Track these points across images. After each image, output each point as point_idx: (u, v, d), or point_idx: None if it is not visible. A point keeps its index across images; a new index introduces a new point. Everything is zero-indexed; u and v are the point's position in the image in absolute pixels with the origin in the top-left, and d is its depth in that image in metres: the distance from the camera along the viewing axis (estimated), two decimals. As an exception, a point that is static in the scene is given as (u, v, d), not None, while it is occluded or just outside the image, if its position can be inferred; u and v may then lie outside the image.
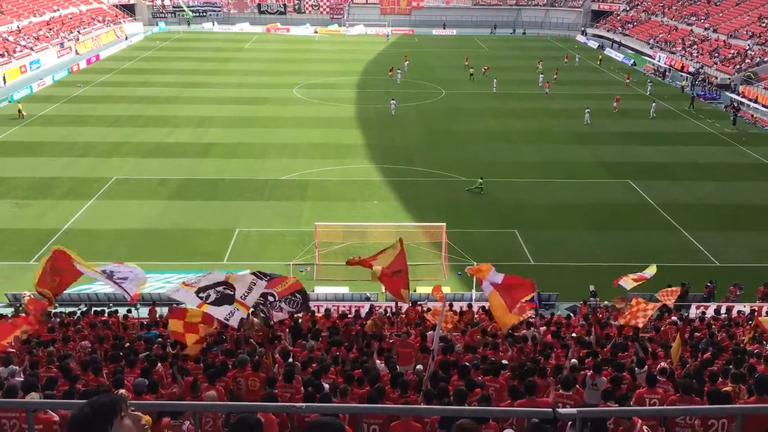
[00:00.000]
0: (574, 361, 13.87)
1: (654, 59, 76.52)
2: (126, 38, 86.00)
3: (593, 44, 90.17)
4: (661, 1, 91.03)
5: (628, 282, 19.26)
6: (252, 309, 18.08)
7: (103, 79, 64.51)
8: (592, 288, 25.86)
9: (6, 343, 14.00)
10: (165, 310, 22.89)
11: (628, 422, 8.95)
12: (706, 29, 77.17)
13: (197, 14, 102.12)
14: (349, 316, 22.19)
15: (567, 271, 29.19)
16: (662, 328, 19.30)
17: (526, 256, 30.60)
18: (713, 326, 20.19)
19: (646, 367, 13.14)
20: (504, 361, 14.49)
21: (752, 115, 53.99)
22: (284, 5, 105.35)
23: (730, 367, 13.08)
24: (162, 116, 51.71)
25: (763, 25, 70.85)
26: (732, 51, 69.22)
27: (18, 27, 73.86)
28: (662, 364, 13.06)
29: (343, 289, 27.32)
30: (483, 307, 23.72)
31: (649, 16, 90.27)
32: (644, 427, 9.03)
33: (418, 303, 22.32)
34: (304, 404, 7.02)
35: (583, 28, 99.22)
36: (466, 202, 36.38)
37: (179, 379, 12.12)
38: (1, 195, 36.35)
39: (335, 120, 51.80)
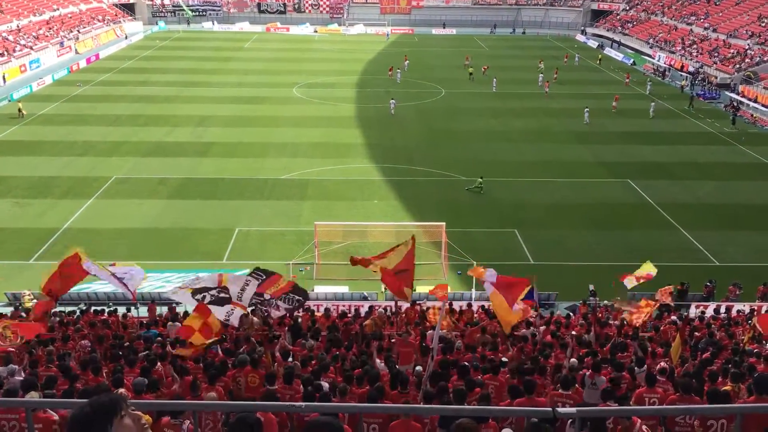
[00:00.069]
0: (573, 360, 13.89)
1: (654, 59, 76.51)
2: (126, 37, 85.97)
3: (593, 44, 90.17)
4: (661, 0, 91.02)
5: (631, 281, 19.29)
6: (252, 308, 18.14)
7: (103, 78, 64.48)
8: (591, 287, 25.86)
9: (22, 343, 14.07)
10: (165, 309, 22.92)
11: (628, 422, 8.96)
12: (705, 29, 77.17)
13: (197, 13, 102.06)
14: (349, 315, 22.19)
15: (566, 270, 29.19)
16: (662, 328, 19.31)
17: (526, 255, 30.60)
18: (713, 326, 20.20)
19: (646, 366, 13.15)
20: (503, 359, 14.53)
21: (752, 115, 53.99)
22: (284, 4, 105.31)
23: (730, 366, 13.08)
24: (162, 115, 51.70)
25: (763, 24, 70.85)
26: (731, 50, 69.23)
27: (18, 26, 73.83)
28: (662, 363, 13.07)
29: (343, 289, 27.32)
30: (482, 307, 23.75)
31: (648, 15, 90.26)
32: (643, 427, 9.03)
33: (418, 302, 22.31)
34: (303, 403, 7.02)
35: (582, 28, 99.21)
36: (465, 201, 36.39)
37: (175, 377, 12.14)
38: (1, 194, 36.34)
39: (335, 119, 51.79)
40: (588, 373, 12.52)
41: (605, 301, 24.06)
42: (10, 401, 8.95)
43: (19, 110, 50.09)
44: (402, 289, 14.11)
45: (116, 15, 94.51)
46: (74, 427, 3.25)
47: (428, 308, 21.58)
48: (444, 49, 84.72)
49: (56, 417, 8.66)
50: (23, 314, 19.23)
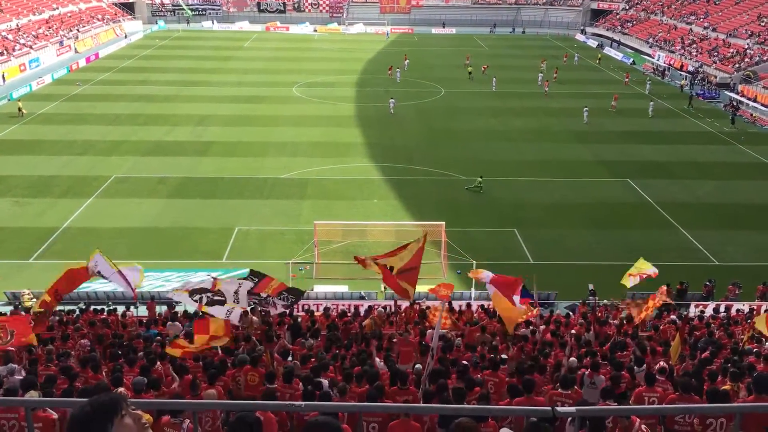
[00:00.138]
0: (573, 359, 13.90)
1: (653, 58, 76.49)
2: (125, 37, 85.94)
3: (592, 43, 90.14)
4: (660, 0, 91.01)
5: (635, 280, 19.23)
6: (251, 306, 18.23)
7: (103, 77, 64.46)
8: (591, 287, 25.87)
9: (24, 340, 14.07)
10: (164, 308, 22.93)
11: (627, 421, 8.96)
12: (705, 28, 77.16)
13: (196, 13, 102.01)
14: (349, 314, 22.21)
15: (566, 269, 29.19)
16: (661, 327, 19.32)
17: (526, 254, 30.61)
18: (712, 325, 20.22)
19: (645, 365, 13.16)
20: (503, 356, 14.55)
21: (751, 114, 53.99)
22: (284, 4, 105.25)
23: (729, 365, 13.09)
24: (161, 115, 51.68)
25: (763, 24, 70.85)
26: (731, 50, 69.23)
27: (17, 25, 73.78)
28: (661, 363, 13.08)
29: (342, 288, 27.32)
30: (482, 306, 23.77)
31: (648, 15, 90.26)
32: (643, 426, 9.04)
33: (417, 301, 22.31)
34: (303, 403, 7.03)
35: (582, 27, 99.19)
36: (465, 200, 36.39)
37: (175, 377, 12.15)
38: (1, 193, 36.33)
39: (335, 119, 51.78)
40: (587, 373, 12.54)
41: (605, 301, 24.07)
42: (10, 400, 8.95)
43: (19, 109, 50.09)
44: (403, 288, 14.07)
45: (116, 14, 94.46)
46: (74, 427, 3.24)
47: (428, 307, 21.60)
48: (444, 49, 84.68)
49: (56, 416, 8.67)
50: (23, 313, 19.23)
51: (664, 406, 10.36)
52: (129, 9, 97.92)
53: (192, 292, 14.38)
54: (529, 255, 30.55)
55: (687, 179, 40.11)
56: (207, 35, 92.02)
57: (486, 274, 14.27)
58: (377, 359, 14.08)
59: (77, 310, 21.74)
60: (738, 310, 24.02)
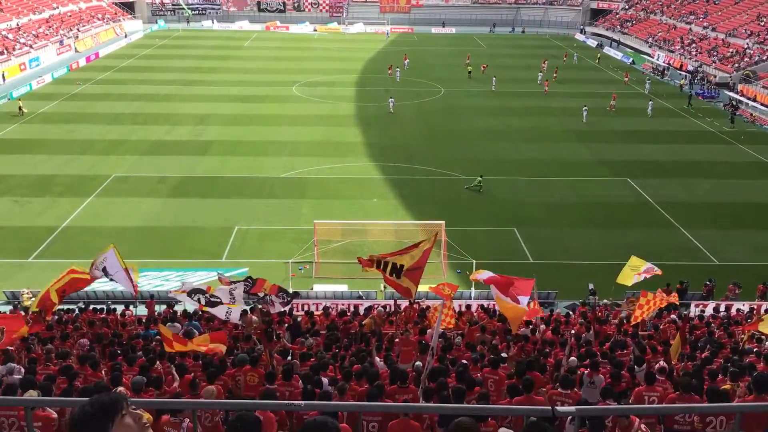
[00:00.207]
0: (573, 358, 13.90)
1: (653, 58, 76.49)
2: (125, 36, 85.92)
3: (592, 42, 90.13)
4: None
5: (639, 278, 19.14)
6: (251, 306, 18.27)
7: (103, 76, 64.45)
8: (591, 286, 25.85)
9: (15, 336, 14.09)
10: (163, 307, 22.92)
11: (626, 420, 8.96)
12: (704, 28, 77.16)
13: (196, 12, 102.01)
14: (348, 314, 22.22)
15: (566, 269, 29.19)
16: (661, 327, 19.32)
17: (525, 254, 30.61)
18: (712, 324, 20.22)
19: (645, 365, 13.16)
20: (503, 354, 14.57)
21: (751, 114, 53.98)
22: (284, 3, 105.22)
23: (729, 365, 13.10)
24: (161, 114, 51.68)
25: (762, 23, 70.85)
26: (731, 50, 69.24)
27: (17, 24, 73.75)
28: (661, 362, 13.08)
29: (342, 287, 27.33)
30: (482, 306, 23.79)
31: (648, 14, 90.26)
32: (642, 426, 9.04)
33: (416, 301, 22.32)
34: (302, 402, 7.03)
35: (582, 27, 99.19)
36: (465, 200, 36.39)
37: (175, 376, 12.15)
38: (1, 192, 36.33)
39: (335, 118, 51.77)
40: (586, 372, 12.54)
41: (604, 300, 24.07)
42: (10, 400, 8.95)
43: (20, 108, 50.10)
44: (405, 287, 14.06)
45: (116, 13, 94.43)
46: (75, 426, 3.24)
47: (427, 307, 21.60)
48: (443, 48, 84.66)
49: (55, 415, 8.67)
50: (23, 312, 19.24)
51: (664, 405, 10.37)
52: (129, 8, 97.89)
53: (190, 293, 14.56)
54: (529, 254, 30.55)
55: (687, 179, 40.12)
56: (207, 35, 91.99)
57: (485, 274, 14.24)
58: (377, 358, 14.08)
59: (76, 310, 21.73)
60: (738, 310, 24.02)
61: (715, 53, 69.97)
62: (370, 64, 73.34)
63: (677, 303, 21.09)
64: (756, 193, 38.11)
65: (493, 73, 64.26)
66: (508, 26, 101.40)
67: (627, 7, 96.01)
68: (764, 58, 64.31)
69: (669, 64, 72.75)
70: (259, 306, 16.19)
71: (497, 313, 21.31)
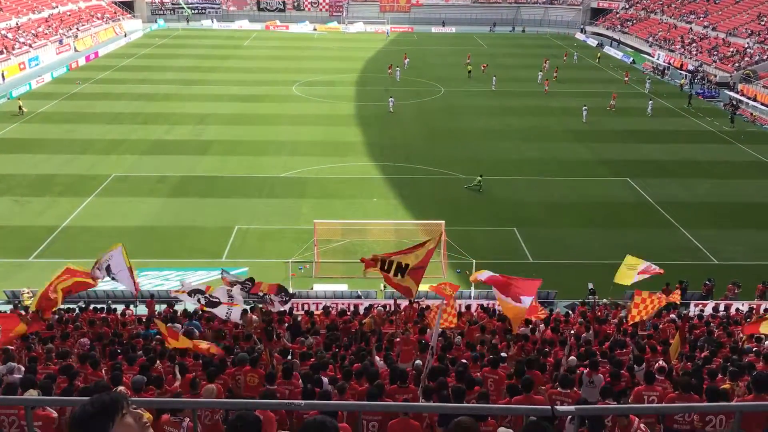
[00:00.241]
0: (572, 358, 13.90)
1: (653, 57, 76.47)
2: (125, 35, 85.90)
3: (592, 42, 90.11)
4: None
5: (639, 277, 19.07)
6: (251, 306, 18.30)
7: (102, 76, 64.44)
8: (590, 286, 25.89)
9: (12, 335, 14.09)
10: (164, 307, 22.93)
11: (626, 420, 8.97)
12: (705, 27, 77.16)
13: (196, 11, 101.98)
14: (348, 313, 22.23)
15: (566, 268, 29.19)
16: (660, 326, 19.33)
17: (525, 253, 30.61)
18: (711, 324, 20.24)
19: (644, 364, 13.17)
20: (503, 354, 14.57)
21: (751, 113, 53.95)
22: (283, 2, 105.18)
23: (728, 364, 13.11)
24: (161, 113, 51.67)
25: (762, 23, 70.85)
26: (731, 49, 69.23)
27: (17, 24, 73.73)
28: (660, 362, 13.09)
29: (342, 287, 27.34)
30: (482, 306, 23.81)
31: (648, 14, 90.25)
32: (641, 425, 9.04)
33: (416, 300, 22.34)
34: (302, 401, 7.03)
35: (582, 26, 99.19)
36: (465, 199, 36.40)
37: (176, 375, 12.16)
38: (1, 192, 36.33)
39: (334, 117, 51.77)
40: (585, 372, 12.54)
41: (604, 300, 24.08)
42: (10, 399, 8.96)
43: (20, 107, 50.11)
44: (406, 286, 14.06)
45: (115, 13, 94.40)
46: (76, 426, 3.25)
47: (427, 307, 21.61)
48: (443, 48, 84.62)
49: (55, 414, 8.68)
50: (22, 312, 19.25)
51: (663, 404, 10.37)
52: (129, 7, 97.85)
53: (190, 293, 14.65)
54: (529, 254, 30.56)
55: (687, 178, 40.12)
56: (207, 34, 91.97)
57: (484, 274, 14.20)
58: (377, 358, 14.09)
59: (77, 309, 21.74)
60: (737, 309, 24.03)
61: (715, 53, 69.97)
62: (370, 64, 73.32)
63: (679, 302, 21.09)
64: (756, 192, 38.12)
65: (493, 73, 64.25)
66: (508, 25, 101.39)
67: (627, 6, 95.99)
68: (765, 57, 64.31)
69: (669, 63, 72.75)
70: (260, 305, 16.22)
71: (497, 312, 21.36)
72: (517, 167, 41.24)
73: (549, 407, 5.32)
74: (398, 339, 16.30)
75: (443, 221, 30.31)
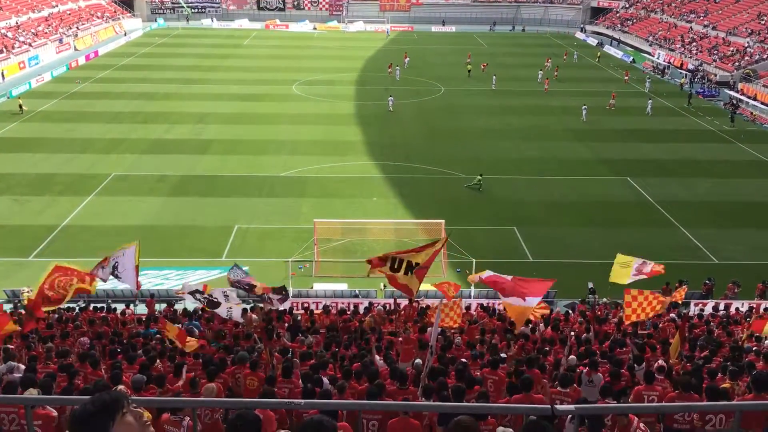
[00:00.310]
0: (572, 357, 13.91)
1: (653, 56, 76.45)
2: (125, 34, 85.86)
3: (592, 41, 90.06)
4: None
5: (637, 277, 18.97)
6: (251, 305, 18.32)
7: (102, 75, 64.42)
8: (590, 285, 25.88)
9: (2, 333, 14.07)
10: (164, 306, 22.95)
11: (626, 419, 8.97)
12: (705, 26, 77.14)
13: (196, 10, 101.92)
14: (348, 312, 22.24)
15: (565, 268, 29.15)
16: (660, 325, 19.34)
17: (525, 253, 30.62)
18: (711, 323, 20.24)
19: (644, 364, 13.17)
20: (503, 354, 14.57)
21: (751, 113, 53.93)
22: (283, 1, 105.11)
23: (728, 363, 13.11)
24: (161, 112, 51.66)
25: (763, 22, 70.83)
26: (731, 48, 69.22)
27: (17, 23, 73.70)
28: (660, 361, 13.09)
29: (342, 286, 27.34)
30: (481, 305, 23.82)
31: (648, 13, 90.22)
32: (641, 424, 9.04)
33: (416, 300, 22.34)
34: (302, 401, 7.04)
35: (582, 25, 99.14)
36: (464, 198, 36.39)
37: (178, 374, 12.18)
38: (1, 191, 36.33)
39: (334, 117, 51.76)
40: (585, 371, 12.54)
41: (604, 299, 24.09)
42: (10, 398, 8.97)
43: (20, 106, 50.12)
44: (407, 286, 14.05)
45: (115, 12, 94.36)
46: (76, 425, 3.25)
47: (427, 306, 21.62)
48: (443, 47, 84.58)
49: (55, 413, 8.68)
50: (22, 311, 19.26)
51: (663, 404, 10.37)
52: (128, 6, 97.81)
53: (191, 293, 14.75)
54: (529, 253, 30.56)
55: (687, 177, 40.12)
56: (206, 33, 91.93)
57: (485, 274, 14.19)
58: (377, 357, 14.10)
59: (76, 308, 21.76)
60: (737, 309, 24.04)
61: (715, 52, 69.95)
62: (370, 63, 73.30)
63: (681, 301, 21.06)
64: (756, 192, 38.11)
65: (493, 72, 64.22)
66: (508, 25, 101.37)
67: (627, 5, 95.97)
68: (765, 56, 64.29)
69: (669, 62, 72.73)
70: (259, 305, 16.23)
71: (497, 312, 21.38)
72: (517, 166, 41.24)
73: (549, 406, 5.33)
74: (400, 339, 16.31)
75: (443, 220, 30.34)
